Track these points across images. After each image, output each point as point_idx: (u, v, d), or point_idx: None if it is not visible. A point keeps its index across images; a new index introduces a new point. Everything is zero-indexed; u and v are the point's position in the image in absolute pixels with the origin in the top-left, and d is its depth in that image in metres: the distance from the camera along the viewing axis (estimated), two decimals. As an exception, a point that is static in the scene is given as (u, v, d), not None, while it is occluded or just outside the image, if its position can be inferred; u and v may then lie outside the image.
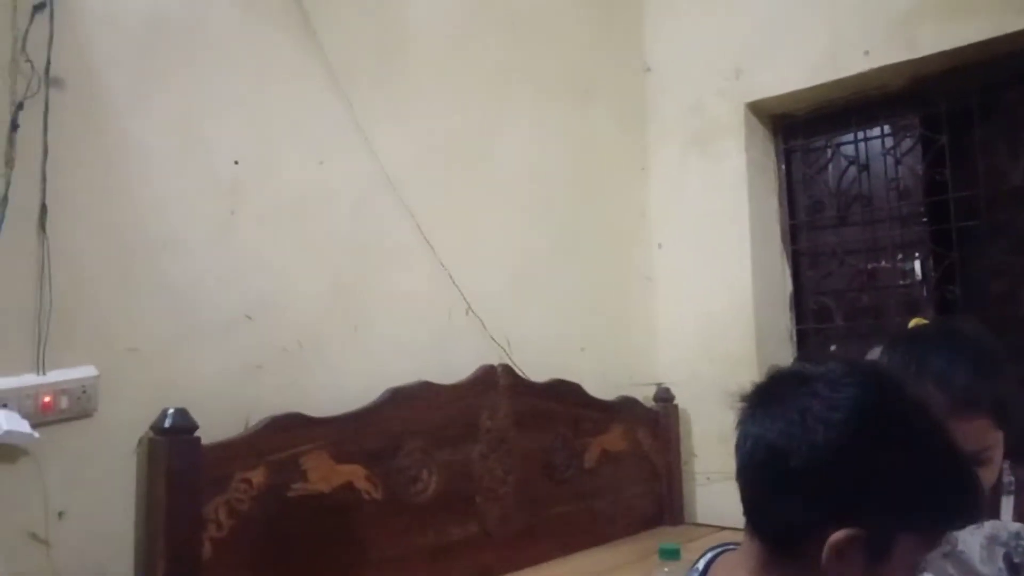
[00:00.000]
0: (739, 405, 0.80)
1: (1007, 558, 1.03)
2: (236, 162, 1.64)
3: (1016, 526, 1.06)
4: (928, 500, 0.73)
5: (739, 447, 0.79)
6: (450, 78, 2.10)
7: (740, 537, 0.83)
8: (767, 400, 0.78)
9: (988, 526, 1.05)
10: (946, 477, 0.74)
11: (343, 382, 1.75)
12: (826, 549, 0.71)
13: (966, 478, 0.76)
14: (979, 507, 0.76)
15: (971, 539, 1.03)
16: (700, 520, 2.48)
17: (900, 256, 2.35)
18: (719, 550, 0.88)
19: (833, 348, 2.46)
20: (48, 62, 1.36)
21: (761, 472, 0.77)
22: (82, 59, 1.44)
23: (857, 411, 0.72)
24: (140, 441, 1.44)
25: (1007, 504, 1.06)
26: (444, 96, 2.08)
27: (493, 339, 2.09)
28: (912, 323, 1.13)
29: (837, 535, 0.71)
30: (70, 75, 1.41)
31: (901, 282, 2.35)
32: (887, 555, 0.72)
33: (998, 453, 1.03)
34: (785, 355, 2.48)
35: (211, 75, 1.63)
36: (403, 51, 2.00)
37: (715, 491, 2.46)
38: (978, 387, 0.99)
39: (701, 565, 0.87)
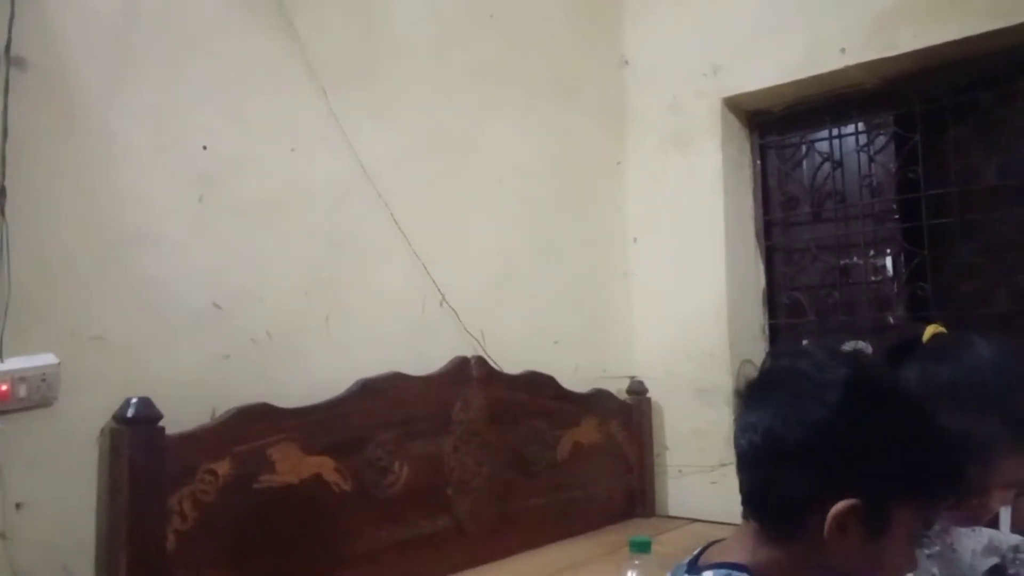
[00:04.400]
0: (734, 403, 0.84)
1: (998, 570, 1.03)
2: (204, 147, 1.61)
3: (1016, 539, 1.06)
4: (918, 469, 0.77)
5: (737, 439, 0.83)
6: (430, 74, 2.08)
7: (717, 531, 0.84)
8: (760, 391, 0.83)
9: (988, 535, 1.06)
10: (933, 447, 0.78)
11: (313, 373, 1.73)
12: (828, 521, 0.75)
13: (951, 449, 0.79)
14: (966, 477, 0.79)
15: (967, 541, 1.04)
16: (671, 513, 2.49)
17: (872, 253, 2.37)
18: (710, 543, 0.91)
19: (805, 342, 2.47)
20: (8, 41, 1.32)
21: (760, 456, 0.80)
22: (48, 41, 1.40)
23: (848, 389, 0.77)
24: (102, 431, 1.41)
25: (1005, 515, 1.07)
26: (424, 92, 2.06)
27: (467, 331, 2.07)
28: (929, 330, 1.04)
29: (838, 506, 0.75)
30: (34, 56, 1.37)
31: (873, 278, 2.37)
32: (886, 526, 0.77)
33: None
34: (758, 350, 2.50)
35: (187, 65, 1.60)
36: (383, 47, 1.98)
37: (686, 484, 2.48)
38: None
39: (696, 551, 0.89)
